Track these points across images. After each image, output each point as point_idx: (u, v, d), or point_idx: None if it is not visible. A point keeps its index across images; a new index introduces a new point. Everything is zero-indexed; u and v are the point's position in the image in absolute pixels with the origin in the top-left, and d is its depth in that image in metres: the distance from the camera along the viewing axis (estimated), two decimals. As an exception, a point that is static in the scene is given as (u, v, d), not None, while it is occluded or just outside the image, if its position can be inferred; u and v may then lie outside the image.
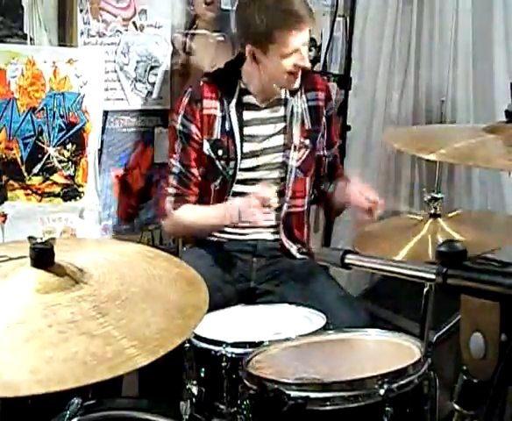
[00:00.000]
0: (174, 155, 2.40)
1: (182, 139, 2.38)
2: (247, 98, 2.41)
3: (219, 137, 2.37)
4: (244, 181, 2.40)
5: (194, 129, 2.37)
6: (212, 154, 2.38)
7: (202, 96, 2.38)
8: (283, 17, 2.22)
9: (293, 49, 2.25)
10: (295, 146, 2.42)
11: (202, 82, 2.41)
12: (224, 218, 2.32)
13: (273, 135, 2.43)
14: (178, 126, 2.38)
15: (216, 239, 2.45)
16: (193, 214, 2.40)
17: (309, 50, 3.11)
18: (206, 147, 2.38)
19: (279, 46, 2.25)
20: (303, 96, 2.46)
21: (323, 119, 2.50)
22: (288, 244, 2.46)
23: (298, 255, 2.47)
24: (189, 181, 2.39)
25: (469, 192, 3.31)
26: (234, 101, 2.38)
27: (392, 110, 3.37)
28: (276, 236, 2.46)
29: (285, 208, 2.43)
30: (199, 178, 2.40)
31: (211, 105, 2.38)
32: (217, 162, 2.38)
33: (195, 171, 2.39)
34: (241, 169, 2.39)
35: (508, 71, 3.13)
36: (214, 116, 2.38)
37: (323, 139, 2.51)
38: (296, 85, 2.36)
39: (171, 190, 2.40)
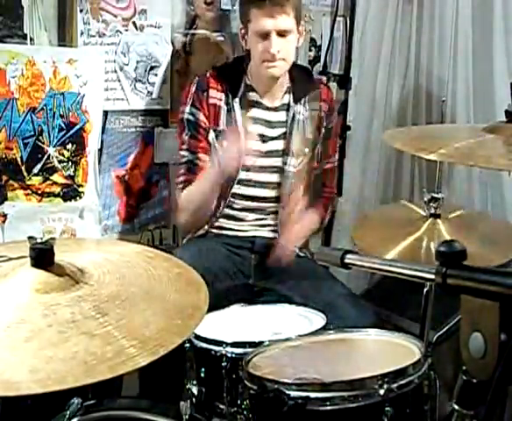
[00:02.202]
0: (183, 146, 2.42)
1: (190, 127, 2.40)
2: (252, 95, 2.43)
3: (225, 128, 2.38)
4: (241, 182, 2.40)
5: (202, 117, 2.39)
6: (216, 144, 2.38)
7: (208, 85, 2.40)
8: None
9: (263, 31, 2.27)
10: (293, 153, 2.42)
11: (208, 74, 2.43)
12: (217, 175, 2.32)
13: (274, 138, 2.44)
14: (186, 116, 2.40)
15: (214, 234, 2.45)
16: (193, 189, 2.38)
17: (309, 50, 3.14)
18: (211, 136, 2.38)
19: (253, 24, 2.29)
20: (306, 104, 2.46)
21: (323, 130, 2.50)
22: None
23: (301, 254, 2.47)
24: (197, 167, 2.39)
25: (469, 192, 3.30)
26: (239, 96, 2.40)
27: (392, 110, 3.37)
28: (274, 234, 2.46)
29: (284, 213, 2.44)
30: (208, 165, 2.39)
31: (217, 96, 2.39)
32: (221, 154, 2.37)
33: (203, 156, 2.39)
34: (242, 167, 2.39)
35: (508, 71, 3.13)
36: (219, 106, 2.39)
37: (319, 149, 2.52)
38: (274, 73, 2.34)
39: (180, 179, 2.42)
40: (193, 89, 2.41)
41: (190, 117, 2.40)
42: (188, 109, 2.40)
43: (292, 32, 2.30)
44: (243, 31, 2.36)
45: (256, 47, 2.31)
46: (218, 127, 2.38)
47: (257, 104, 2.43)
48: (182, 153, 2.42)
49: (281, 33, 2.27)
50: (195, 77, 2.46)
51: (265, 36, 2.27)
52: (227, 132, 2.33)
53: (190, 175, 2.39)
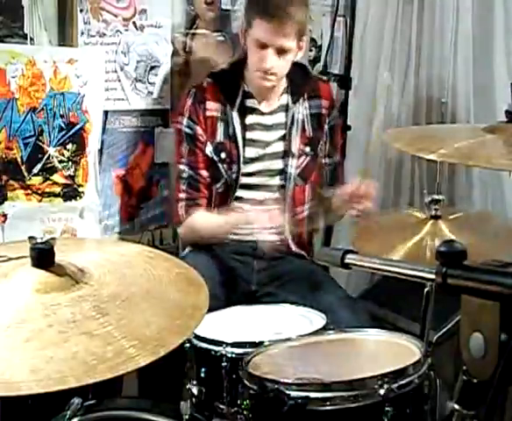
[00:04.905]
0: (182, 159, 2.40)
1: (189, 141, 2.38)
2: (250, 102, 2.41)
3: (222, 140, 2.38)
4: (244, 186, 2.40)
5: (199, 130, 2.37)
6: (215, 157, 2.38)
7: (205, 97, 2.38)
8: (263, 6, 2.24)
9: (261, 42, 2.25)
10: (293, 154, 2.42)
11: (205, 84, 2.41)
12: (235, 226, 2.33)
13: (274, 141, 2.43)
14: (184, 128, 2.39)
15: (216, 240, 2.45)
16: (206, 221, 2.40)
17: (310, 50, 3.14)
18: (209, 150, 2.38)
19: (254, 32, 2.27)
20: (306, 102, 2.45)
21: (326, 127, 2.49)
22: (297, 250, 2.46)
23: (308, 258, 2.47)
24: (199, 183, 2.39)
25: (469, 192, 3.30)
26: (237, 104, 2.38)
27: (392, 110, 3.37)
28: (276, 237, 2.46)
29: (288, 216, 2.43)
30: (208, 179, 2.40)
31: (214, 108, 2.38)
32: (220, 165, 2.38)
33: (203, 172, 2.39)
34: (242, 174, 2.39)
35: (508, 71, 3.13)
36: (217, 118, 2.38)
37: (324, 146, 2.51)
38: (267, 85, 2.34)
39: (182, 195, 2.40)
40: (189, 101, 2.39)
41: (188, 131, 2.38)
42: (185, 121, 2.38)
43: (290, 52, 2.29)
44: (244, 30, 2.35)
45: (252, 54, 2.31)
46: (215, 140, 2.38)
47: (255, 111, 2.42)
48: (182, 167, 2.40)
49: (279, 51, 2.26)
50: (192, 88, 2.44)
51: (262, 47, 2.26)
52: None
53: (193, 192, 2.39)
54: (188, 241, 2.57)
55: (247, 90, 2.41)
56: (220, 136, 2.38)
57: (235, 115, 2.38)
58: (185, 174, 2.39)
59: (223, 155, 2.37)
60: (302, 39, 2.31)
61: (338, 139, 2.62)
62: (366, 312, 2.32)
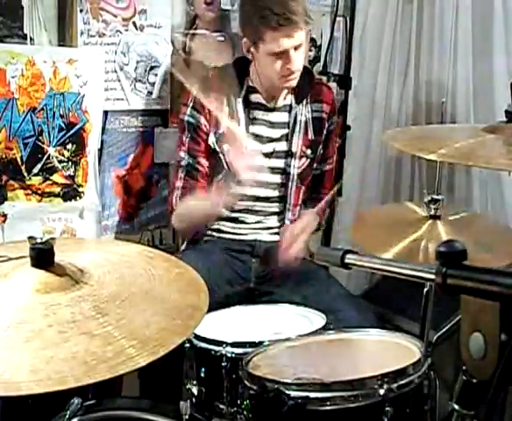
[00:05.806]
0: (183, 147, 2.39)
1: (191, 129, 2.38)
2: (255, 97, 2.42)
3: (225, 131, 2.36)
4: (243, 182, 2.39)
5: (202, 120, 2.37)
6: (217, 148, 2.37)
7: (210, 88, 2.37)
8: (275, 18, 2.20)
9: (281, 50, 2.24)
10: (295, 154, 2.42)
11: (210, 75, 2.42)
12: (216, 206, 2.27)
13: (277, 140, 2.43)
14: (187, 117, 2.38)
15: (213, 237, 2.45)
16: (193, 208, 2.35)
17: (309, 50, 3.14)
18: (212, 140, 2.37)
19: (268, 45, 2.25)
20: (309, 105, 2.45)
21: (324, 132, 2.50)
22: None
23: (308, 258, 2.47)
24: (197, 172, 2.37)
25: (469, 192, 3.30)
26: (241, 97, 2.39)
27: (392, 110, 3.37)
28: (275, 237, 2.46)
29: (290, 216, 2.44)
30: (207, 169, 2.38)
31: (219, 98, 2.37)
32: (222, 157, 2.36)
33: (203, 161, 2.37)
34: None
35: (508, 71, 3.13)
36: (221, 109, 2.37)
37: (321, 151, 2.51)
38: (293, 84, 2.34)
39: (178, 184, 2.39)
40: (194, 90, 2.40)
41: (191, 120, 2.37)
42: (188, 111, 2.38)
43: (304, 43, 2.30)
44: (251, 48, 2.32)
45: (271, 65, 2.28)
46: (219, 130, 2.36)
47: (259, 105, 2.42)
48: (182, 154, 2.39)
49: (296, 48, 2.26)
50: (196, 78, 2.45)
51: (281, 54, 2.25)
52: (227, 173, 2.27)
53: (189, 181, 2.37)
54: (181, 231, 2.56)
55: (252, 85, 2.41)
56: (224, 127, 2.36)
57: (240, 107, 2.38)
58: (184, 162, 2.38)
59: (225, 147, 2.36)
60: (306, 25, 2.31)
61: (334, 146, 2.61)
62: (370, 310, 2.32)
